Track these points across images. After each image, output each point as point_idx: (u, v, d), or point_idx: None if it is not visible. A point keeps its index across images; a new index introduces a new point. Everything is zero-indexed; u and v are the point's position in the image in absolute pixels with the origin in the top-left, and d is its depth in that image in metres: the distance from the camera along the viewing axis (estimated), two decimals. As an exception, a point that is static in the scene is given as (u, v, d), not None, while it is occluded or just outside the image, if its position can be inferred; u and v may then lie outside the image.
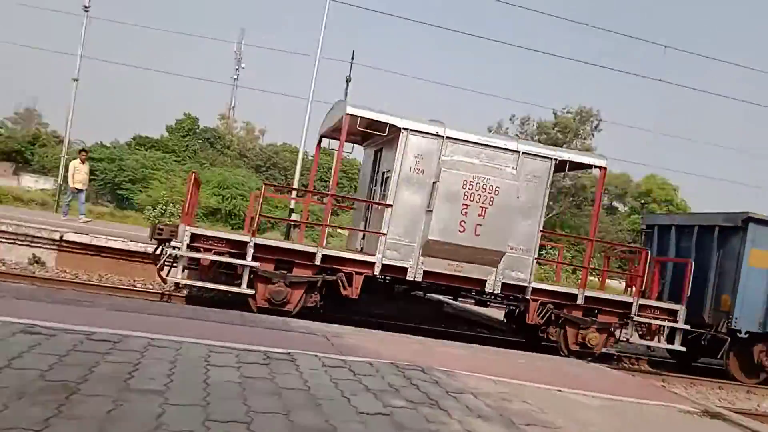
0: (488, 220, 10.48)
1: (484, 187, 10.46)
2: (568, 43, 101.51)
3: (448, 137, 10.67)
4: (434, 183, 10.45)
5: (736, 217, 12.24)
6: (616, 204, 66.93)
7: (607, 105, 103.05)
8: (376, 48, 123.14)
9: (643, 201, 65.39)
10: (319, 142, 13.73)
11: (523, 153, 10.95)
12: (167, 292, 11.95)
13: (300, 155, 24.15)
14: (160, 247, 11.02)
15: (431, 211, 10.41)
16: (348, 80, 25.50)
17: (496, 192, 10.50)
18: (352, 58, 25.60)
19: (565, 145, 53.01)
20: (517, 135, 55.09)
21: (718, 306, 12.30)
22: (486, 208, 10.47)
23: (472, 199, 10.43)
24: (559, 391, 6.47)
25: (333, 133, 12.65)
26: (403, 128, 10.54)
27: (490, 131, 54.89)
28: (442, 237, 10.41)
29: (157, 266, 10.87)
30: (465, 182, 10.42)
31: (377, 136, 11.19)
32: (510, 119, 54.54)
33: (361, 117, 10.53)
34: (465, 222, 10.42)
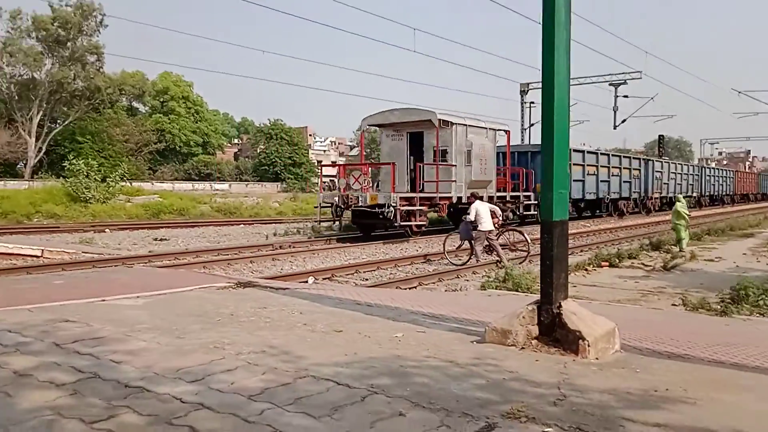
0: (488, 165, 21.14)
1: (484, 148, 20.97)
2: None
3: (468, 125, 20.47)
4: (469, 151, 20.16)
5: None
6: (135, 104, 65.53)
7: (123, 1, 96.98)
8: None
9: (162, 99, 65.71)
10: (363, 131, 25.07)
11: (489, 128, 21.63)
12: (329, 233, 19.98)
13: None
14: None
15: (470, 165, 20.22)
16: None
17: (488, 150, 21.22)
18: None
19: (69, 43, 47.85)
20: (8, 32, 47.17)
21: (536, 192, 22.14)
22: (487, 159, 21.05)
23: (482, 156, 20.77)
24: (103, 300, 6.44)
25: (385, 124, 21.23)
26: (455, 123, 19.84)
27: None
28: (477, 177, 20.39)
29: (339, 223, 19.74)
30: (480, 147, 20.64)
31: (410, 124, 20.36)
32: (-3, 13, 45.86)
33: (441, 120, 19.32)
34: (481, 167, 20.70)
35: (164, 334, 4.94)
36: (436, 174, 19.36)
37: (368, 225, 19.07)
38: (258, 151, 70.01)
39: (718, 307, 8.05)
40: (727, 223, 24.72)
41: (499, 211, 13.84)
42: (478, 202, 13.68)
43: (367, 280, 11.51)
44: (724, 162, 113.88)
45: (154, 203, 29.77)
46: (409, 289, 10.43)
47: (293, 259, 14.22)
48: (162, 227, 22.68)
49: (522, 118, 46.38)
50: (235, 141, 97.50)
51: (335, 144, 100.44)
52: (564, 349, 4.60)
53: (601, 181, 29.92)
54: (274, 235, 20.30)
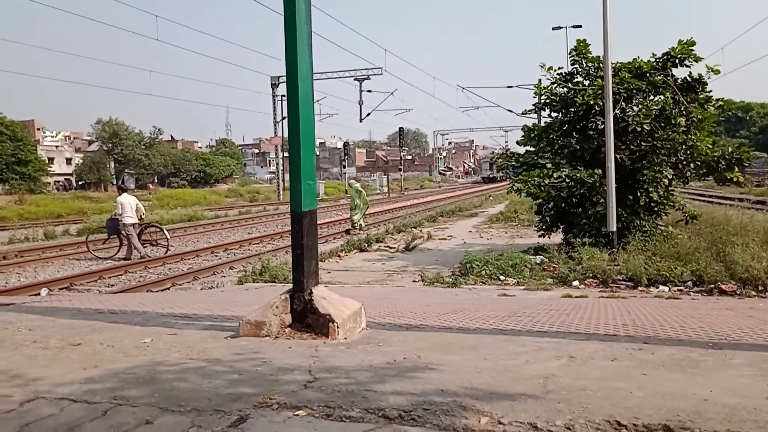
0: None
1: None
2: None
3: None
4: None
5: None
6: None
7: None
8: None
9: None
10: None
11: None
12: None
13: None
14: None
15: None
16: None
17: None
18: None
19: None
20: None
21: None
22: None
23: None
24: None
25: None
26: None
27: None
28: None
29: None
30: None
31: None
32: None
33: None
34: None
35: None
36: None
37: None
38: (-30, 150, 59.50)
39: (450, 279, 9.13)
40: (456, 205, 28.03)
41: (141, 207, 13.85)
42: (124, 195, 13.51)
43: (112, 286, 10.64)
44: (453, 151, 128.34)
45: None
46: (161, 291, 9.90)
47: (21, 270, 12.51)
48: None
49: (274, 111, 46.75)
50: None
51: (70, 139, 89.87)
52: (316, 333, 4.80)
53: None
54: (-4, 244, 17.57)
